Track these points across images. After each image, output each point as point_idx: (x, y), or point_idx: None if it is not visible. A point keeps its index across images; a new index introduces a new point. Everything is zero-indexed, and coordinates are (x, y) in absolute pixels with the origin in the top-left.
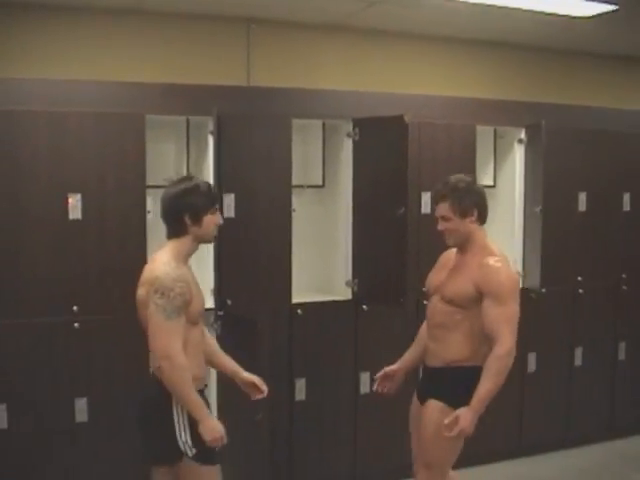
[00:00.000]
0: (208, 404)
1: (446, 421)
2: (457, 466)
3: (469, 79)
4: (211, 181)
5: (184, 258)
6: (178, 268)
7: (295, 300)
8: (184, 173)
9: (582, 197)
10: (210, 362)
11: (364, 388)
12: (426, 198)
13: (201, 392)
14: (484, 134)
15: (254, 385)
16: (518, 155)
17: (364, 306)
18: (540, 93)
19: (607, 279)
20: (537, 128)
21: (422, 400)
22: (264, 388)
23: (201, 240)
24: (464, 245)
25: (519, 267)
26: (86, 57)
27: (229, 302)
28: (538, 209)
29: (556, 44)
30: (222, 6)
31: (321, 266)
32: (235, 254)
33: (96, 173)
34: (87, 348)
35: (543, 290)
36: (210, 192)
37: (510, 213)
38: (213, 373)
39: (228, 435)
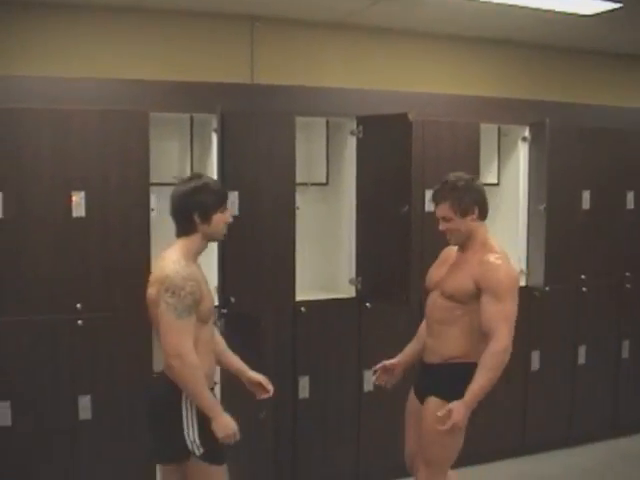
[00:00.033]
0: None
1: (439, 413)
2: (460, 464)
3: (473, 77)
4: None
5: (193, 256)
6: (188, 266)
7: (299, 298)
8: (188, 171)
9: (586, 195)
10: (218, 361)
11: (368, 386)
12: (430, 196)
13: (211, 390)
14: (488, 132)
15: (260, 384)
16: (522, 153)
17: (368, 304)
18: (544, 91)
19: (611, 277)
20: (541, 126)
21: (420, 397)
22: (270, 388)
23: (210, 238)
24: (465, 242)
25: (523, 265)
26: (87, 55)
27: (233, 300)
28: (542, 207)
29: (560, 42)
30: (226, 4)
31: (325, 264)
32: (239, 252)
33: (99, 171)
34: (90, 345)
35: (547, 288)
36: (220, 190)
37: (514, 211)
38: (216, 371)
39: None
